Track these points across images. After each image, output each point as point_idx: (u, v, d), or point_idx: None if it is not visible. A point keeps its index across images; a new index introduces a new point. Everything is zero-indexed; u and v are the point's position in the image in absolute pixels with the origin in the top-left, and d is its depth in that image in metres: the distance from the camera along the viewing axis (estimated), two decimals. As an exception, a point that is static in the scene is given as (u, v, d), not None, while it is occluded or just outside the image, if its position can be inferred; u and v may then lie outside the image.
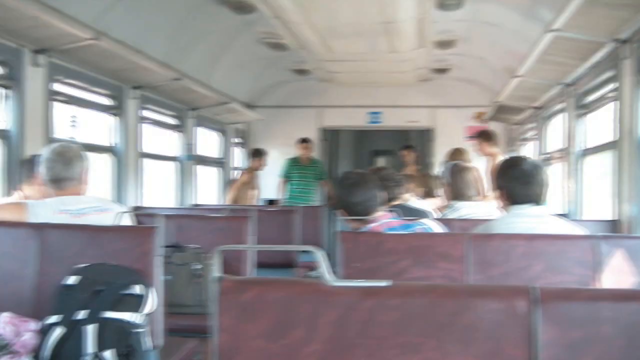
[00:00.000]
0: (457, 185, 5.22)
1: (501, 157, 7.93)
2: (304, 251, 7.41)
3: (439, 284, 1.58)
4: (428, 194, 6.88)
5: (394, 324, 1.51)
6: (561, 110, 7.65)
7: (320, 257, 1.58)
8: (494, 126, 10.22)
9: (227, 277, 1.61)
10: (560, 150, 7.59)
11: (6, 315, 3.04)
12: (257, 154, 10.41)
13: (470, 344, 1.48)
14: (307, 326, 1.54)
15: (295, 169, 10.80)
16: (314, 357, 1.54)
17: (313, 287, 1.61)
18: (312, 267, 7.48)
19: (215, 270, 1.61)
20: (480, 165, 7.65)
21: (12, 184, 5.31)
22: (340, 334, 1.53)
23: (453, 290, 1.59)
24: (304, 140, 10.78)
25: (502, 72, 8.85)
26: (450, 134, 11.16)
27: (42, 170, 3.59)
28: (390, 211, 3.78)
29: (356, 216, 3.64)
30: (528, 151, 9.68)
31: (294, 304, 1.57)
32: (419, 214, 4.77)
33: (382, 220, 3.61)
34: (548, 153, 8.49)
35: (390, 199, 4.59)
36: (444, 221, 4.47)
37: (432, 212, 5.34)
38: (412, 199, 5.55)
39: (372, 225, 3.58)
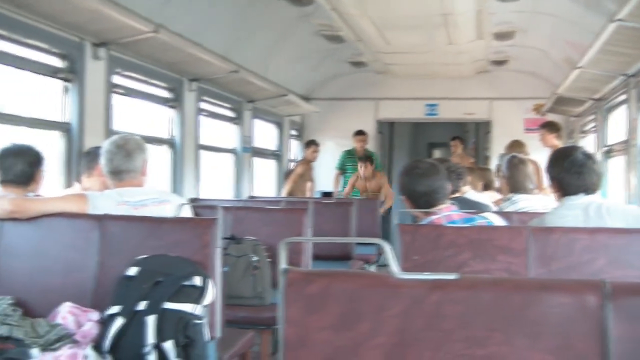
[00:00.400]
0: (515, 178, 5.15)
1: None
2: (359, 244, 7.40)
3: (506, 277, 1.55)
4: (486, 187, 6.80)
5: (460, 318, 1.49)
6: (623, 102, 7.49)
7: (387, 249, 1.56)
8: (552, 118, 10.05)
9: (293, 269, 1.60)
10: (622, 143, 7.43)
11: (68, 305, 3.08)
12: (310, 145, 10.42)
13: (538, 339, 1.45)
14: (373, 319, 1.53)
15: (351, 161, 10.78)
16: (379, 350, 1.52)
17: (379, 280, 1.59)
18: (368, 259, 7.47)
19: (282, 262, 1.60)
20: (539, 157, 7.54)
21: (72, 176, 5.39)
22: (406, 327, 1.51)
23: (521, 284, 1.56)
24: (359, 133, 10.75)
25: (562, 64, 8.70)
26: (508, 126, 11.01)
27: (102, 161, 3.63)
28: (452, 204, 3.72)
29: (419, 205, 3.58)
30: (588, 144, 9.50)
31: (360, 297, 1.56)
32: (478, 207, 4.71)
33: (445, 212, 3.55)
34: (609, 146, 8.32)
35: (451, 192, 4.54)
36: (501, 214, 4.42)
37: (490, 205, 5.27)
38: (470, 192, 5.49)
39: (434, 217, 3.52)
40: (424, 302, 1.52)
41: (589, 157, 3.58)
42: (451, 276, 1.52)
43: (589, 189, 3.53)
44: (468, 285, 1.54)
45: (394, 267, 1.55)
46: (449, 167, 4.78)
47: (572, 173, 3.52)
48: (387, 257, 1.56)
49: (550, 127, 8.41)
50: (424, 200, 3.57)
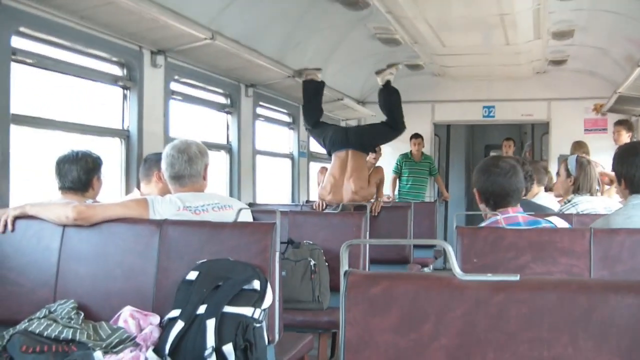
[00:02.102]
0: (581, 179, 5.07)
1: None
2: (417, 247, 7.37)
3: (570, 278, 1.53)
4: (546, 189, 6.71)
5: (524, 319, 1.47)
6: (688, 100, 7.33)
7: (449, 250, 1.56)
8: (613, 118, 9.87)
9: (354, 271, 1.60)
10: (685, 143, 7.26)
11: (129, 309, 3.13)
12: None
13: (605, 341, 1.43)
14: (436, 320, 1.52)
15: (407, 164, 10.75)
16: (442, 351, 1.51)
17: (442, 281, 1.58)
18: (425, 263, 7.44)
19: (344, 265, 1.61)
20: (599, 159, 7.44)
21: (131, 182, 5.47)
22: (469, 328, 1.50)
23: (586, 285, 1.54)
24: (416, 136, 10.71)
25: (623, 62, 8.55)
26: (567, 127, 10.84)
27: (163, 166, 3.65)
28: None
29: (488, 204, 3.53)
30: (650, 143, 9.31)
31: (422, 298, 1.55)
32: (541, 210, 4.65)
33: (511, 214, 3.48)
34: (671, 145, 8.14)
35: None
36: (562, 216, 4.35)
37: (553, 208, 5.20)
38: (542, 194, 5.42)
39: (501, 217, 3.46)
40: (487, 304, 1.51)
41: None
42: (514, 277, 1.51)
43: None
44: (531, 287, 1.52)
45: (456, 268, 1.55)
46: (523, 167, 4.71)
47: None
48: (449, 258, 1.55)
49: (627, 124, 8.33)
50: (495, 200, 3.51)
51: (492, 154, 15.67)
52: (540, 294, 1.49)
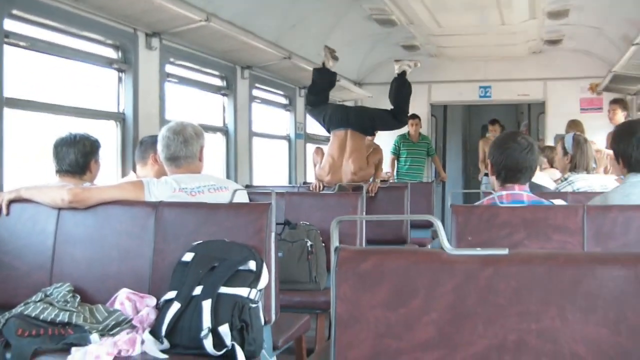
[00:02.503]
0: (578, 156, 5.07)
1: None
2: (414, 228, 7.37)
3: (558, 251, 1.54)
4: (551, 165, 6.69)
5: (513, 293, 1.48)
6: (681, 78, 7.33)
7: (438, 225, 1.56)
8: (609, 97, 9.86)
9: (345, 247, 1.61)
10: (681, 120, 7.27)
11: (125, 291, 3.14)
12: None
13: (592, 312, 1.44)
14: (426, 295, 1.53)
15: (405, 145, 10.75)
16: (433, 326, 1.52)
17: (431, 256, 1.59)
18: (422, 243, 7.44)
19: (334, 241, 1.61)
20: (595, 138, 7.45)
21: (127, 165, 5.47)
22: (459, 302, 1.51)
23: (573, 257, 1.55)
24: (413, 117, 10.69)
25: (619, 41, 8.54)
26: (563, 106, 10.84)
27: (159, 148, 3.65)
28: None
29: (499, 176, 3.50)
30: (646, 122, 9.32)
31: (412, 273, 1.56)
32: (538, 188, 4.66)
33: (517, 191, 3.47)
34: (667, 123, 8.15)
35: None
36: (562, 194, 4.36)
37: (549, 186, 5.22)
38: (537, 173, 5.44)
39: (504, 193, 3.45)
40: (476, 278, 1.51)
41: None
42: (503, 251, 1.52)
43: None
44: (520, 260, 1.53)
45: (446, 243, 1.55)
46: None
47: (638, 148, 3.41)
48: (438, 233, 1.56)
49: (622, 103, 8.36)
50: (506, 174, 3.47)
51: (487, 134, 15.69)
52: (529, 268, 1.50)
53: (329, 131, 7.00)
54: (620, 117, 8.19)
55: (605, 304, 1.44)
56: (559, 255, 1.53)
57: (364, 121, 6.92)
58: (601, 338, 1.44)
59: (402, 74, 7.22)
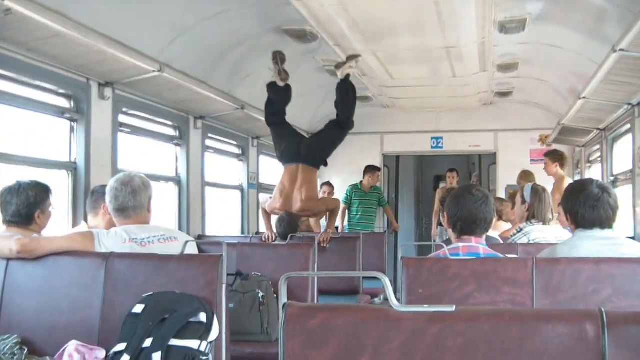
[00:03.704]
0: (536, 206, 5.14)
1: (568, 180, 7.84)
2: (366, 278, 7.38)
3: (504, 308, 1.56)
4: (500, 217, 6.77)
5: (460, 350, 1.50)
6: (628, 132, 7.49)
7: (385, 282, 1.58)
8: (558, 149, 10.04)
9: (293, 304, 1.61)
10: (627, 172, 7.42)
11: (74, 344, 3.09)
12: (322, 186, 10.38)
13: None
14: (373, 352, 1.54)
15: (357, 195, 10.78)
16: (380, 382, 1.53)
17: (379, 312, 1.60)
18: (375, 294, 7.45)
19: (282, 297, 1.62)
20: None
21: (78, 215, 5.42)
22: (407, 359, 1.52)
23: (519, 314, 1.56)
24: (374, 169, 10.75)
25: (566, 94, 8.73)
26: (514, 157, 11.00)
27: (108, 199, 3.65)
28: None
29: (454, 229, 3.55)
30: (594, 174, 9.49)
31: (360, 330, 1.57)
32: (489, 240, 4.72)
33: (473, 243, 3.52)
34: (615, 175, 8.31)
35: None
36: (512, 246, 4.41)
37: (497, 238, 5.27)
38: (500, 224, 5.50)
39: (463, 245, 3.50)
40: (424, 334, 1.52)
41: (604, 190, 3.53)
42: (450, 308, 1.53)
43: (604, 223, 3.50)
44: (467, 317, 1.55)
45: (393, 299, 1.57)
46: None
47: (587, 207, 3.48)
48: (386, 290, 1.57)
49: (553, 155, 8.47)
50: (461, 226, 3.53)
51: (441, 184, 15.84)
52: (475, 325, 1.52)
53: (282, 163, 7.08)
54: (553, 168, 8.33)
55: None
56: (504, 312, 1.55)
57: (315, 155, 7.01)
58: (545, 396, 1.45)
59: (347, 78, 7.29)
